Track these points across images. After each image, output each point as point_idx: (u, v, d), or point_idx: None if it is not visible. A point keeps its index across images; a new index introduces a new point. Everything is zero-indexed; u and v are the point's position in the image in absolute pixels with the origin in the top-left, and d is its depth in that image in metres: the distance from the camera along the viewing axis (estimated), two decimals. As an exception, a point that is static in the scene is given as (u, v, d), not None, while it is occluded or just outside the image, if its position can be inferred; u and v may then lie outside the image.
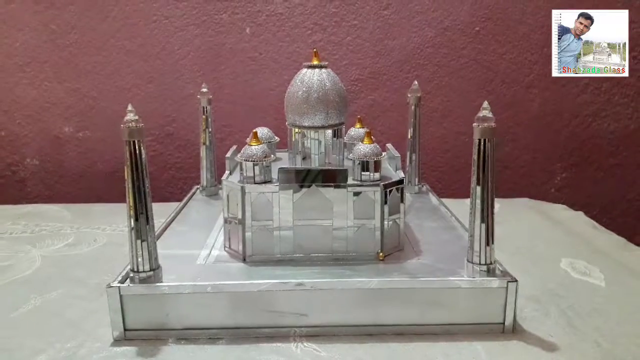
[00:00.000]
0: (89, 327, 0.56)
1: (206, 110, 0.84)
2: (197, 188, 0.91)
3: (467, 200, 0.98)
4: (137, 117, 0.53)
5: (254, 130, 0.65)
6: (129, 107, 0.54)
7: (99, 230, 0.86)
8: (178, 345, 0.53)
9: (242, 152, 0.63)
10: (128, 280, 0.55)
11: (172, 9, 1.12)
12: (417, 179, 0.91)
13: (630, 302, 0.62)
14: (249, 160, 0.62)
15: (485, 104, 0.54)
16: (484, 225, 0.55)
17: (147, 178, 0.54)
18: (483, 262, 0.55)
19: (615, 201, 1.23)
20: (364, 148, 0.63)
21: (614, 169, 1.21)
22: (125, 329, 0.54)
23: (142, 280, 0.54)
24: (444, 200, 0.92)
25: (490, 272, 0.56)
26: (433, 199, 0.86)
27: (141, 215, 0.53)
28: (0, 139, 1.17)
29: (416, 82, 0.88)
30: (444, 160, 1.21)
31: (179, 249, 0.65)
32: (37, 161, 1.18)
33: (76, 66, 1.14)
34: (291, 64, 1.14)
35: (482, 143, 0.54)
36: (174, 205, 0.84)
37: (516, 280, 0.55)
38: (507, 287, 0.55)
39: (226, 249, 0.65)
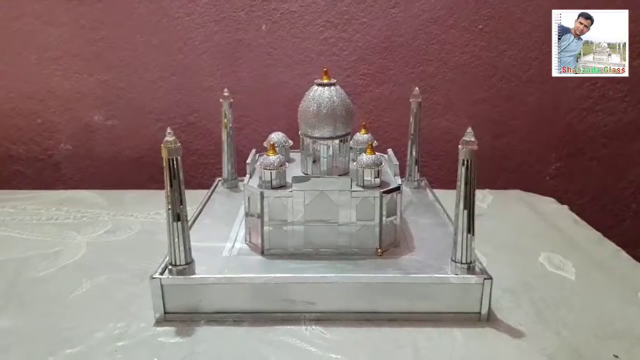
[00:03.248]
0: (134, 309, 0.67)
1: (227, 113, 0.93)
2: (219, 180, 1.01)
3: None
4: (174, 138, 0.62)
5: (272, 142, 0.75)
6: (168, 130, 0.63)
7: (132, 218, 0.97)
8: (209, 326, 0.65)
9: (261, 161, 0.73)
10: (167, 271, 0.66)
11: (193, 7, 1.20)
12: (417, 174, 1.00)
13: (595, 295, 0.72)
14: (267, 169, 0.72)
15: (469, 129, 0.63)
16: (466, 233, 0.65)
17: (183, 187, 0.64)
18: (464, 261, 0.66)
19: (607, 189, 1.32)
20: (367, 159, 0.73)
21: (606, 160, 1.30)
22: (165, 312, 0.65)
23: (179, 272, 0.65)
24: (443, 191, 1.01)
25: (470, 270, 0.66)
26: (430, 194, 0.96)
27: (179, 219, 0.64)
28: (37, 125, 1.27)
29: (417, 88, 0.96)
30: (447, 150, 1.30)
31: (207, 242, 0.76)
32: (70, 146, 1.29)
33: (105, 59, 1.23)
34: (304, 59, 1.23)
35: (467, 163, 0.63)
36: (196, 192, 0.95)
37: (491, 278, 0.65)
38: (483, 283, 0.65)
39: (247, 242, 0.76)
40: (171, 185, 0.63)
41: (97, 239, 0.88)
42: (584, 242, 0.88)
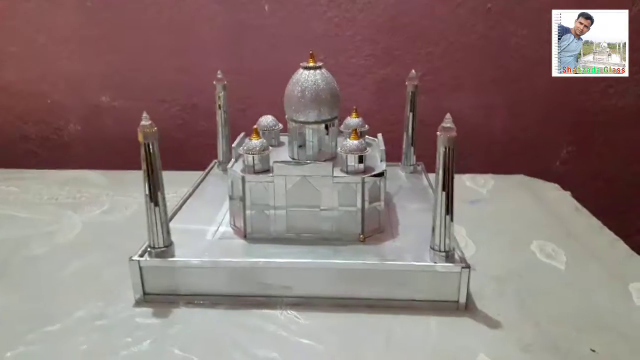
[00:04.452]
0: (117, 290, 0.68)
1: (221, 96, 0.93)
2: (215, 162, 1.02)
3: (465, 176, 1.07)
4: (150, 122, 0.63)
5: (254, 127, 0.75)
6: (144, 114, 0.63)
7: (131, 198, 0.98)
8: (186, 308, 0.66)
9: (244, 145, 0.73)
10: (146, 254, 0.67)
11: (197, -12, 1.19)
12: (413, 159, 0.98)
13: (583, 287, 0.70)
14: (249, 153, 0.72)
15: (448, 115, 0.61)
16: (444, 221, 0.63)
17: (160, 172, 0.64)
18: (443, 249, 0.64)
19: (620, 175, 1.27)
20: (350, 144, 0.72)
21: (619, 144, 1.25)
22: (144, 293, 0.67)
23: (157, 255, 0.66)
24: None
25: (448, 258, 0.65)
26: (424, 180, 0.94)
27: (156, 203, 0.64)
28: (47, 106, 1.30)
29: (413, 71, 0.94)
30: (453, 131, 1.27)
31: (192, 224, 0.77)
32: (79, 127, 1.32)
33: (111, 41, 1.24)
34: (307, 40, 1.21)
35: (446, 150, 0.62)
36: (198, 173, 0.97)
37: (469, 267, 0.64)
38: (460, 272, 0.64)
39: (231, 226, 0.76)
40: (147, 169, 0.63)
41: (93, 219, 0.90)
42: (582, 231, 0.85)
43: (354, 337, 0.60)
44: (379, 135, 0.84)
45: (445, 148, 0.62)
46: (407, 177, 0.97)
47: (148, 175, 0.64)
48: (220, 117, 0.95)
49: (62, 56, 1.26)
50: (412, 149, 0.98)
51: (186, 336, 0.60)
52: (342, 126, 0.86)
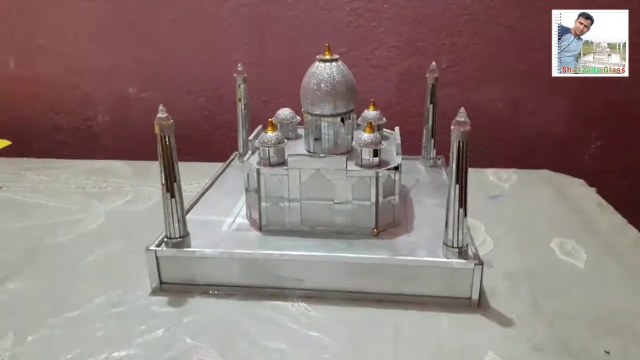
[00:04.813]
0: (136, 278, 0.70)
1: (241, 88, 0.94)
2: (236, 154, 1.03)
3: (488, 170, 1.05)
4: (166, 115, 0.64)
5: (270, 119, 0.75)
6: (161, 107, 0.65)
7: (154, 189, 1.00)
8: (201, 297, 0.67)
9: (259, 137, 0.74)
10: (163, 244, 0.68)
11: (221, -20, 1.20)
12: (433, 152, 0.97)
13: (601, 286, 0.69)
14: (264, 146, 0.72)
15: (462, 109, 0.61)
16: (458, 217, 0.63)
17: (176, 164, 0.66)
18: (456, 245, 0.64)
19: (652, 169, 1.23)
20: (365, 137, 0.72)
21: (651, 138, 1.21)
22: (161, 282, 0.69)
23: (174, 245, 0.68)
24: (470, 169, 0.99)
25: (461, 254, 0.64)
26: (444, 174, 0.93)
27: (173, 194, 0.66)
28: (77, 97, 1.34)
29: (434, 63, 0.93)
30: (478, 126, 1.24)
31: (209, 215, 0.79)
32: (108, 118, 1.35)
33: (137, 33, 1.27)
34: (330, 31, 1.21)
35: (460, 145, 0.61)
36: (220, 165, 0.99)
37: (482, 263, 0.63)
38: (473, 269, 0.63)
39: (247, 217, 0.77)
40: (163, 161, 0.65)
41: (116, 208, 0.93)
42: (605, 228, 0.83)
43: (363, 330, 0.61)
44: (396, 129, 0.84)
45: (460, 142, 0.61)
46: (427, 171, 0.96)
47: (164, 166, 0.65)
48: (240, 109, 0.96)
49: (91, 48, 1.29)
50: (432, 142, 0.96)
51: (198, 325, 0.62)
52: (359, 119, 0.86)
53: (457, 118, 0.61)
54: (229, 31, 1.24)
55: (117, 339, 0.59)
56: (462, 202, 0.63)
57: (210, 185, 0.90)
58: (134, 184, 1.03)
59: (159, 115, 0.64)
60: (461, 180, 0.62)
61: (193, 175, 1.03)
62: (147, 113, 1.33)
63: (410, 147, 1.06)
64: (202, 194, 0.86)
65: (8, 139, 1.29)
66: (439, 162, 0.98)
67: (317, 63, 0.76)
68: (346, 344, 0.59)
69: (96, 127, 1.36)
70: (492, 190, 0.98)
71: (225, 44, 1.25)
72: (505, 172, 1.06)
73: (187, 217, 0.76)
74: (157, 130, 0.64)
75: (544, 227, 0.84)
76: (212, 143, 1.34)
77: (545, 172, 1.06)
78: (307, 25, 1.21)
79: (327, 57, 0.76)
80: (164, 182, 0.66)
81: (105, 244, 0.80)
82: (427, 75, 0.93)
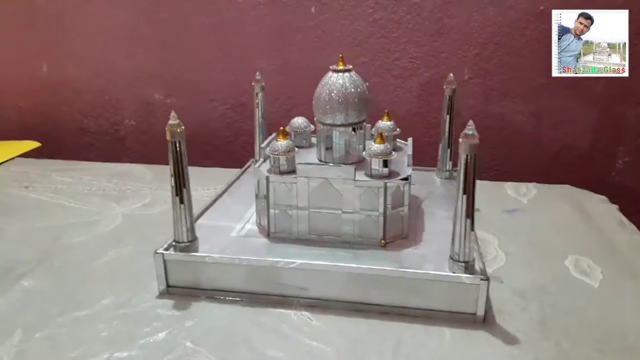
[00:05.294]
0: (145, 281, 0.71)
1: (259, 96, 0.95)
2: (252, 161, 1.04)
3: (507, 184, 1.03)
4: (178, 121, 0.65)
5: (282, 128, 0.76)
6: (172, 114, 0.66)
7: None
8: (206, 302, 0.68)
9: (270, 145, 0.74)
10: (171, 248, 0.69)
11: (245, -10, 1.22)
12: (449, 164, 0.96)
13: (615, 307, 0.66)
14: (274, 154, 0.73)
15: (470, 122, 0.60)
16: (465, 230, 0.62)
17: (186, 169, 0.67)
18: (462, 259, 0.63)
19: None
20: (375, 147, 0.72)
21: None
22: (168, 286, 0.70)
23: (181, 249, 0.69)
24: (490, 183, 1.02)
25: (468, 269, 0.63)
26: (459, 186, 0.92)
27: (181, 200, 0.67)
28: (104, 102, 1.38)
29: (451, 75, 0.92)
30: (500, 139, 1.23)
31: (221, 221, 0.79)
32: (134, 122, 1.38)
33: (164, 40, 1.30)
34: (352, 41, 1.21)
35: (468, 158, 0.60)
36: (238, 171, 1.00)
37: (488, 279, 0.62)
38: (479, 284, 0.62)
39: (257, 224, 0.78)
40: (174, 167, 0.66)
41: (133, 211, 0.95)
42: (624, 247, 0.81)
43: (363, 342, 0.60)
44: (409, 140, 0.83)
45: (467, 156, 0.60)
46: (442, 183, 0.95)
47: (175, 172, 0.66)
48: (257, 117, 0.97)
49: (120, 54, 1.32)
50: (448, 153, 0.95)
51: (201, 330, 0.62)
52: (373, 129, 0.86)
53: (466, 131, 0.60)
54: (252, 40, 1.26)
55: (120, 340, 0.60)
56: (470, 215, 0.62)
57: (224, 191, 0.91)
58: (152, 187, 1.05)
59: (171, 121, 0.65)
60: (468, 193, 0.61)
61: (211, 180, 1.05)
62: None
63: (428, 159, 1.05)
64: (215, 200, 0.87)
65: (39, 141, 1.34)
66: (455, 174, 0.97)
67: (330, 73, 0.76)
68: (345, 355, 0.58)
69: (122, 131, 1.40)
70: (510, 205, 0.96)
71: (249, 53, 1.27)
72: (524, 186, 1.04)
73: (199, 221, 0.78)
74: (168, 136, 0.66)
75: (560, 243, 0.82)
76: (235, 150, 1.35)
77: (566, 188, 1.03)
78: (329, 35, 1.22)
79: (341, 67, 0.76)
80: (173, 186, 0.67)
81: (119, 246, 0.82)
82: (444, 86, 0.92)
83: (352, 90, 0.75)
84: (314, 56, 1.24)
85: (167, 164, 1.21)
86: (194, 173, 1.13)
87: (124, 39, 1.31)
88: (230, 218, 0.80)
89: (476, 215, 0.91)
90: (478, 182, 1.08)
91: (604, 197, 0.99)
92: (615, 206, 0.95)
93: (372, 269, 0.65)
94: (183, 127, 0.66)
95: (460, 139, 0.61)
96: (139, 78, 1.34)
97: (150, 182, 1.09)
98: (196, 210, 0.81)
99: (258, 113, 0.97)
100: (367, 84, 1.24)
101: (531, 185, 1.05)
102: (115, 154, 1.39)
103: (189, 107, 1.34)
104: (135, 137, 1.40)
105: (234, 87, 1.31)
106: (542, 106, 1.19)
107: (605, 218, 0.90)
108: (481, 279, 0.62)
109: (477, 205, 0.94)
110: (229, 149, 1.36)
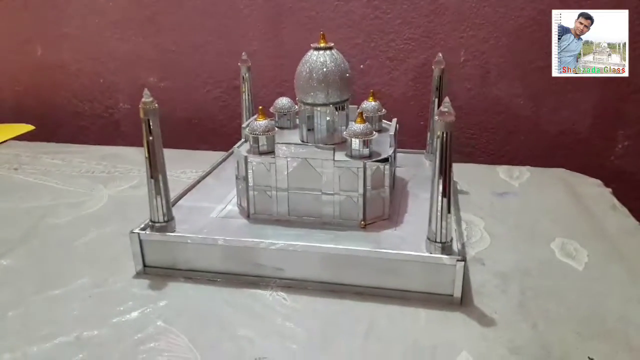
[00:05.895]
0: (123, 261, 0.71)
1: (245, 77, 0.94)
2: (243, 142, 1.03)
3: (500, 167, 1.01)
4: (151, 99, 0.64)
5: (260, 107, 0.74)
6: (145, 91, 0.65)
7: (159, 175, 1.02)
8: (183, 282, 0.67)
9: (249, 126, 0.73)
10: (148, 228, 0.69)
11: (238, -30, 1.21)
12: (438, 147, 0.94)
13: (598, 290, 0.65)
14: (253, 134, 0.72)
15: (446, 99, 0.58)
16: (442, 210, 0.60)
17: (160, 148, 0.66)
18: (439, 240, 0.62)
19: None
20: (355, 127, 0.70)
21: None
22: (144, 266, 0.69)
23: (157, 229, 0.68)
24: (485, 166, 1.02)
25: (445, 250, 0.62)
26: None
27: (156, 180, 0.66)
28: (99, 85, 1.37)
29: (440, 54, 0.90)
30: (497, 122, 1.21)
31: (202, 202, 0.79)
32: (129, 105, 1.38)
33: (157, 23, 1.29)
34: (345, 22, 1.19)
35: (444, 136, 0.58)
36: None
37: (464, 260, 0.61)
38: (456, 265, 0.61)
39: (238, 205, 0.77)
40: (147, 145, 0.65)
41: (119, 193, 0.94)
42: (613, 231, 0.79)
43: (336, 323, 0.59)
44: (394, 120, 0.82)
45: (444, 133, 0.58)
46: (430, 165, 0.93)
47: (148, 150, 0.65)
48: (244, 98, 0.96)
49: (113, 37, 1.32)
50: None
51: (174, 309, 0.62)
52: (358, 110, 0.84)
53: (441, 108, 0.58)
54: (245, 22, 1.24)
55: (92, 319, 0.60)
56: (446, 194, 0.60)
57: (209, 173, 0.90)
58: (142, 170, 1.03)
59: (144, 99, 0.65)
60: (445, 172, 0.60)
61: (202, 163, 1.04)
62: (165, 102, 1.35)
63: (423, 142, 1.03)
64: (199, 181, 0.86)
65: (34, 124, 1.34)
66: (445, 156, 0.95)
67: (311, 51, 0.75)
68: (316, 336, 0.57)
69: (117, 115, 1.39)
70: (500, 188, 0.94)
71: (242, 35, 1.25)
72: (517, 170, 1.02)
73: (180, 202, 0.77)
74: (141, 114, 0.65)
75: (548, 227, 0.80)
76: (229, 133, 1.34)
77: (560, 171, 1.01)
78: (322, 16, 1.20)
79: (322, 44, 0.74)
80: (148, 167, 0.66)
81: (101, 227, 0.82)
82: (433, 67, 0.90)
83: (333, 68, 0.73)
84: (308, 38, 1.22)
85: (165, 147, 1.22)
86: (187, 156, 1.14)
87: (116, 21, 1.30)
88: (212, 199, 0.80)
89: (465, 197, 0.91)
90: (471, 165, 1.08)
91: (598, 181, 0.96)
92: (609, 189, 0.93)
93: (348, 250, 0.64)
94: (156, 105, 0.65)
95: (435, 117, 0.59)
96: (133, 61, 1.33)
97: (141, 164, 1.06)
98: (179, 192, 0.80)
99: (245, 94, 0.95)
100: (362, 66, 1.24)
101: (524, 168, 1.03)
102: (110, 137, 1.39)
103: (182, 90, 1.33)
104: (129, 120, 1.39)
105: (227, 70, 1.30)
106: (540, 89, 1.16)
107: (597, 202, 0.88)
108: (457, 260, 0.61)
109: (467, 187, 0.94)
110: (223, 132, 1.35)
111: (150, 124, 0.65)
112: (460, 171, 1.00)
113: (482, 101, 1.20)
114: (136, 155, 1.14)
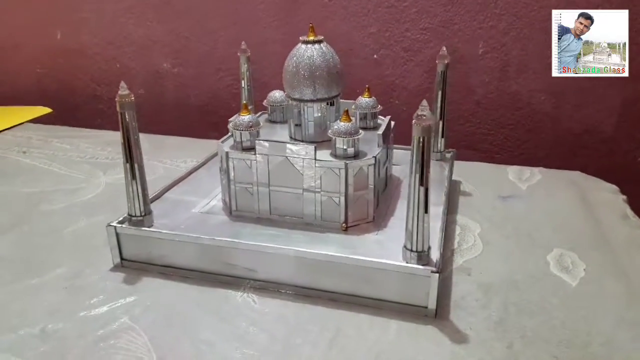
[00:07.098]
0: (103, 253, 0.71)
1: (244, 67, 0.92)
2: (241, 134, 1.01)
3: (510, 168, 0.96)
4: (128, 92, 0.63)
5: (244, 102, 0.72)
6: (122, 84, 0.64)
7: (160, 163, 1.02)
8: (157, 278, 0.67)
9: (233, 120, 0.71)
10: (126, 222, 0.68)
11: (252, -44, 1.18)
12: (441, 145, 0.90)
13: (589, 309, 0.60)
14: (237, 129, 0.70)
15: (424, 102, 0.54)
16: (418, 218, 0.57)
17: (137, 142, 0.65)
18: (415, 249, 0.59)
19: None
20: (340, 126, 0.67)
21: None
22: (122, 259, 0.69)
23: (134, 223, 0.68)
24: (502, 166, 0.98)
25: (420, 259, 0.59)
26: (447, 169, 0.86)
27: (134, 173, 0.66)
28: (116, 69, 1.38)
29: (444, 48, 0.85)
30: (516, 118, 1.15)
31: (188, 196, 0.78)
32: (143, 91, 1.38)
33: (173, 8, 1.28)
34: (359, 11, 1.15)
35: (421, 141, 0.55)
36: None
37: (439, 271, 0.57)
38: (430, 277, 0.58)
39: (222, 200, 0.76)
40: (124, 139, 0.64)
41: (116, 181, 0.95)
42: (619, 243, 0.73)
43: (301, 330, 0.57)
44: (387, 118, 0.78)
45: (420, 138, 0.55)
46: (433, 165, 0.89)
47: (125, 144, 0.65)
48: (243, 88, 0.94)
49: (129, 22, 1.32)
50: (440, 134, 0.89)
51: (142, 306, 0.61)
52: (353, 106, 0.81)
53: (418, 112, 0.55)
54: (259, 8, 1.22)
55: (61, 312, 0.60)
56: (425, 203, 0.57)
57: (202, 165, 0.89)
58: (145, 158, 1.04)
59: (120, 92, 0.63)
60: (423, 180, 0.56)
61: (205, 153, 1.02)
62: (179, 88, 1.35)
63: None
64: (190, 173, 0.85)
65: (54, 107, 1.37)
66: (448, 155, 0.91)
67: (299, 44, 0.72)
68: (279, 343, 0.56)
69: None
70: (506, 190, 0.89)
71: (255, 22, 1.23)
72: (529, 171, 0.97)
73: (165, 195, 0.77)
74: (117, 107, 0.64)
75: (548, 235, 0.75)
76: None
77: (575, 174, 0.95)
78: (336, 4, 1.17)
79: (311, 38, 0.71)
80: (124, 160, 0.65)
81: (93, 216, 0.82)
82: (437, 61, 0.86)
83: (321, 63, 0.70)
84: (322, 25, 1.19)
85: (167, 135, 1.22)
86: (193, 144, 1.14)
87: (132, 7, 1.30)
88: (199, 193, 0.79)
89: (466, 200, 0.86)
90: (479, 164, 1.03)
91: (614, 187, 0.90)
92: (623, 197, 0.86)
93: (319, 254, 0.61)
94: (133, 98, 0.64)
95: (413, 121, 0.55)
96: (148, 46, 1.33)
97: (146, 152, 1.07)
98: (167, 183, 0.80)
99: (244, 84, 0.94)
100: (375, 56, 1.20)
101: (536, 170, 0.97)
102: (126, 122, 1.40)
103: (195, 77, 1.33)
104: (143, 105, 1.39)
105: (239, 58, 1.28)
106: (563, 85, 1.09)
107: (608, 210, 0.82)
108: (432, 271, 0.57)
109: (470, 189, 0.90)
110: (236, 121, 1.34)
111: (126, 117, 0.63)
112: (467, 170, 0.96)
113: (500, 96, 1.14)
114: (142, 143, 1.14)
